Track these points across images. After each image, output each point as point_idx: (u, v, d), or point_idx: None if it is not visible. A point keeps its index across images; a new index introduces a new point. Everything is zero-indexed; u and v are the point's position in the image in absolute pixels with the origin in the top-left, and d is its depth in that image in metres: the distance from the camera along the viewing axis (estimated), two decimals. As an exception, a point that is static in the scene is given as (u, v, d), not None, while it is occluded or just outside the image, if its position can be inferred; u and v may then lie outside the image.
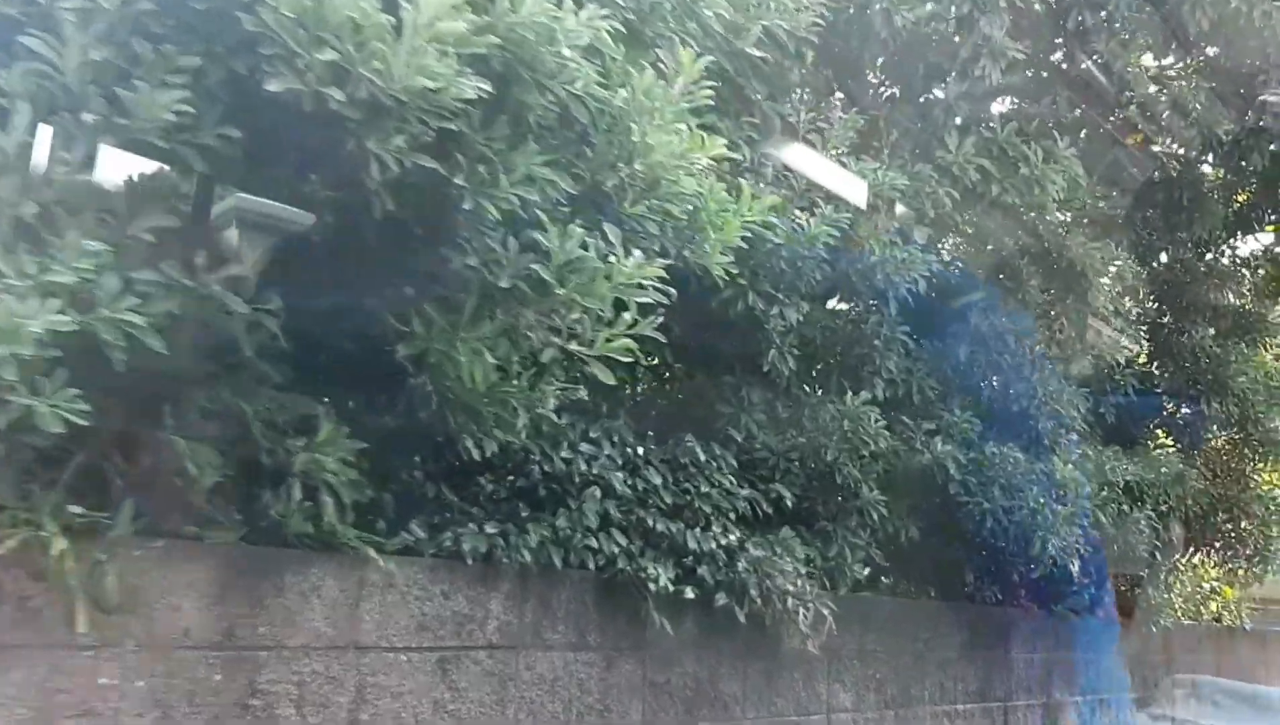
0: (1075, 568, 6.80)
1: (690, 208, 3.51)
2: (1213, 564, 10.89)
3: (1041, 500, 6.51)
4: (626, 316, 3.25)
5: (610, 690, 4.88)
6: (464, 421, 4.34)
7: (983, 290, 6.87)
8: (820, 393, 6.37)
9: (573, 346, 3.14)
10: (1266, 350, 10.28)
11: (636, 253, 3.23)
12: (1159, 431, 9.67)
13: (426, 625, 4.16)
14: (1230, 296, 9.99)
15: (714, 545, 5.14)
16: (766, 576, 5.27)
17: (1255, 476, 10.31)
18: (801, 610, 5.50)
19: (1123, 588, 9.68)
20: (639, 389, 6.73)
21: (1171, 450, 9.85)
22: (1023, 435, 7.30)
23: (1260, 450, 9.90)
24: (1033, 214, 6.53)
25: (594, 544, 4.66)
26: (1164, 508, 8.82)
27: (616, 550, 4.70)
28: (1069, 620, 8.76)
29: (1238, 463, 10.11)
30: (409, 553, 4.24)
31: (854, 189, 5.78)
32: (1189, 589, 12.28)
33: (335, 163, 2.76)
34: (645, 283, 3.18)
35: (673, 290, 3.32)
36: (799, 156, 5.81)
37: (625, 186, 3.30)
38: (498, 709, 4.38)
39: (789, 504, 5.70)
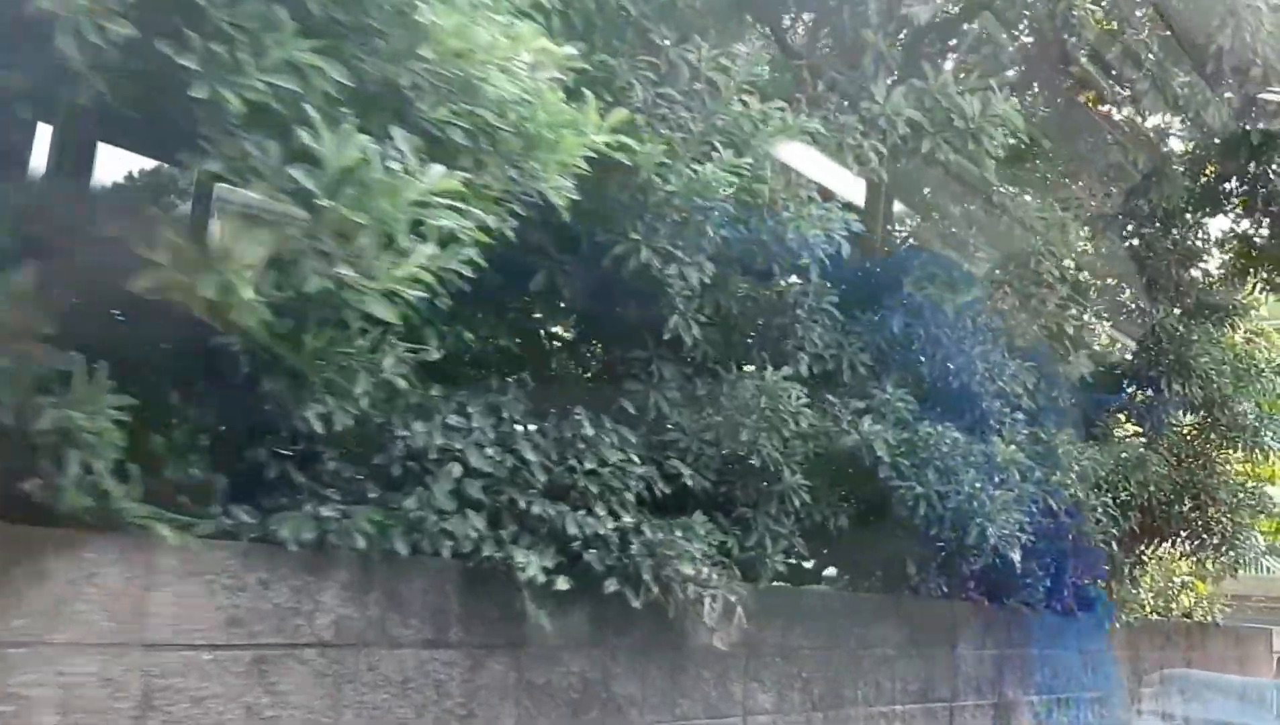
0: (1017, 557, 6.25)
1: (515, 117, 2.95)
2: (1180, 555, 10.38)
3: (979, 484, 5.98)
4: (428, 248, 2.70)
5: (477, 693, 4.33)
6: (285, 387, 3.81)
7: (919, 255, 6.35)
8: (739, 369, 5.82)
9: (344, 272, 2.57)
10: (1234, 330, 9.79)
11: (437, 167, 2.67)
12: (1119, 414, 9.15)
13: (239, 619, 3.61)
14: (1195, 274, 9.51)
15: (604, 529, 4.60)
16: (664, 562, 4.72)
17: (1222, 462, 9.80)
18: (707, 600, 4.97)
19: (1085, 581, 9.16)
20: (546, 365, 6.21)
21: (1133, 435, 9.34)
22: (965, 415, 6.78)
23: (1228, 434, 9.40)
24: (971, 172, 6.00)
25: (449, 528, 4.11)
26: (1124, 495, 8.30)
27: (475, 534, 4.15)
28: (1023, 614, 8.24)
29: (1204, 447, 9.60)
30: (228, 536, 3.69)
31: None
32: (1160, 584, 11.82)
33: (20, 41, 2.21)
34: (444, 202, 2.63)
35: (479, 212, 2.77)
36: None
37: (425, 86, 2.74)
38: (331, 714, 3.82)
39: (689, 483, 5.16)
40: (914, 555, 7.01)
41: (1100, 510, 7.59)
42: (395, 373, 4.00)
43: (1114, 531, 7.89)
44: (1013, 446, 6.48)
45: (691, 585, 4.82)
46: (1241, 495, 9.75)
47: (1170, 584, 12.02)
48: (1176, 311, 9.23)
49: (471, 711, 4.30)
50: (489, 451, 4.34)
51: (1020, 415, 6.95)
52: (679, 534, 4.89)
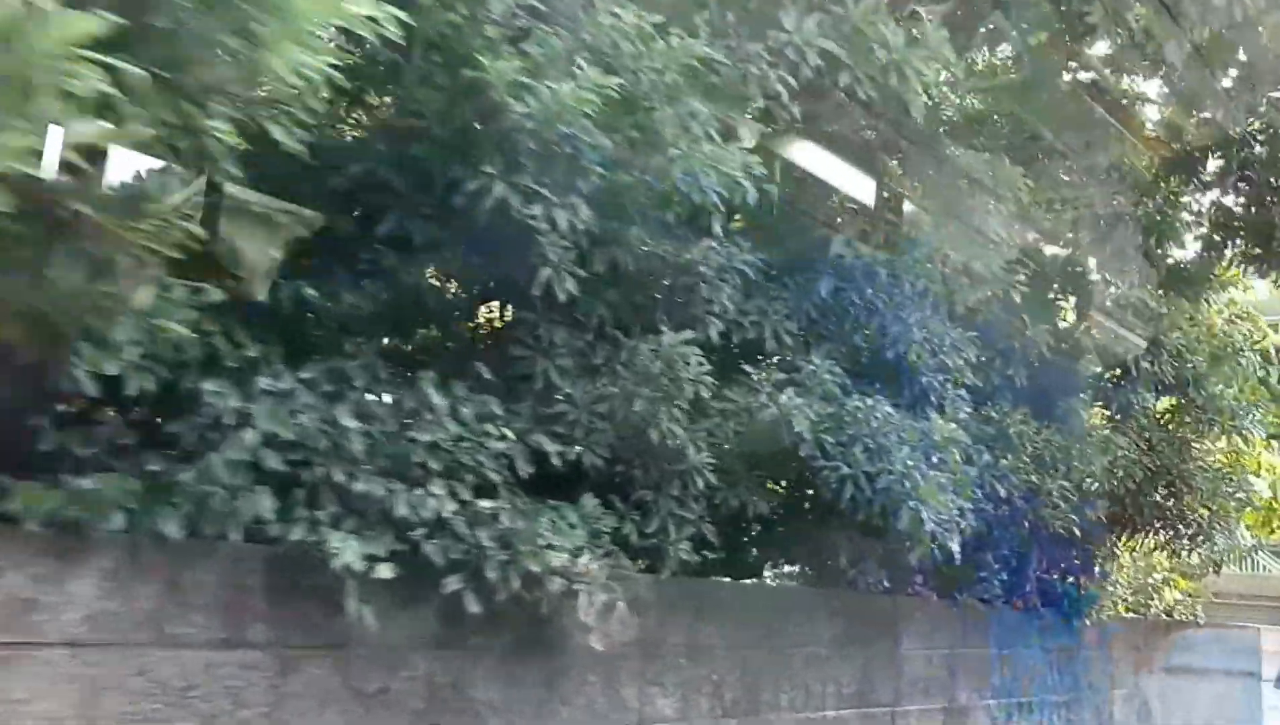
0: (956, 546, 5.61)
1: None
2: (1154, 547, 9.71)
3: (910, 463, 5.33)
4: (86, 122, 2.06)
5: (286, 701, 3.69)
6: (28, 334, 3.18)
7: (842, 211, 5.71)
8: (643, 334, 5.18)
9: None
10: (1211, 307, 9.14)
11: (81, 15, 2.03)
12: (1083, 394, 8.49)
13: (-48, 613, 2.97)
14: (1169, 246, 8.87)
15: (446, 511, 3.96)
16: (522, 553, 4.08)
17: (1200, 448, 9.12)
18: (581, 595, 4.34)
19: (1051, 575, 8.52)
20: (423, 328, 5.57)
21: (1105, 421, 8.69)
22: (904, 390, 6.14)
23: (1203, 417, 8.74)
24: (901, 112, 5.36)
25: (241, 505, 3.47)
26: (1089, 482, 7.65)
27: (269, 513, 3.51)
28: (979, 611, 7.61)
29: (1178, 431, 8.94)
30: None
31: None
32: (1141, 580, 11.19)
33: None
34: (82, 53, 1.98)
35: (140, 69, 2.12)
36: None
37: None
38: (82, 727, 3.18)
39: (559, 463, 4.51)
40: (849, 545, 6.38)
41: (1057, 495, 6.92)
42: (177, 322, 3.38)
43: (1075, 519, 7.22)
44: (953, 424, 5.83)
45: (559, 579, 4.18)
46: (1221, 484, 9.08)
47: (1149, 580, 11.41)
48: (1148, 285, 8.60)
49: (280, 722, 3.65)
50: (303, 418, 3.69)
51: (964, 392, 6.30)
52: (547, 520, 4.27)
